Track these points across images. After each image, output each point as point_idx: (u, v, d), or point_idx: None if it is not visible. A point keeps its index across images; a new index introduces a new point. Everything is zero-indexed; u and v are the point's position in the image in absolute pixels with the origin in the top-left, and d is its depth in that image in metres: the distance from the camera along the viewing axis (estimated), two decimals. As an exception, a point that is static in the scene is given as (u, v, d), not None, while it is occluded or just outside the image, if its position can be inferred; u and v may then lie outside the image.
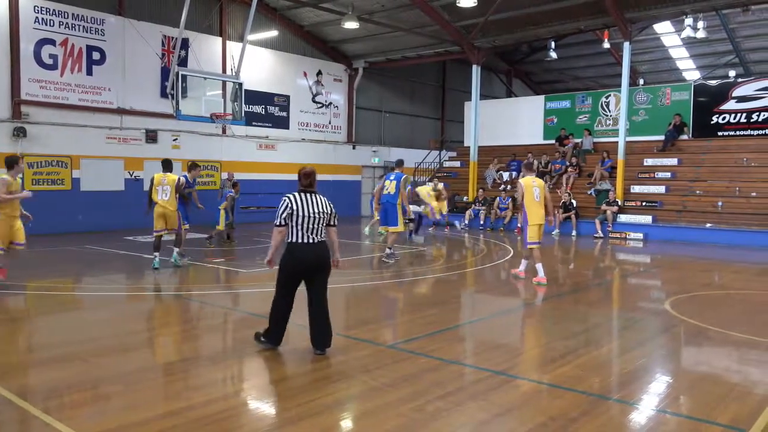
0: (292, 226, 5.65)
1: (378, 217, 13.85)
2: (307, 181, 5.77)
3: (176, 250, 11.15)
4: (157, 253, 10.79)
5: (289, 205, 5.63)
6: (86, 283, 10.27)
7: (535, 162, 21.46)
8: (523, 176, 10.28)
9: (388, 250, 12.17)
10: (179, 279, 10.71)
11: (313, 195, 5.74)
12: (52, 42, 16.61)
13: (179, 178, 10.92)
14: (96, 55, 17.49)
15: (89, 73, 17.37)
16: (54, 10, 16.57)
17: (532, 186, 9.92)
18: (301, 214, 5.61)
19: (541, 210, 9.99)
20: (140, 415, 4.33)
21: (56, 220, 16.17)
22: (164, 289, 9.58)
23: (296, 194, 5.70)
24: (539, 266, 9.93)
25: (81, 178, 17.24)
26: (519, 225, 18.48)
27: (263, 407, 4.75)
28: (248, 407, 4.73)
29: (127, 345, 6.30)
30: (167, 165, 11.01)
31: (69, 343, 6.30)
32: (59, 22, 16.71)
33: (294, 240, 5.65)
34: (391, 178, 12.15)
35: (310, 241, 5.66)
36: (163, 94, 17.50)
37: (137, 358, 5.86)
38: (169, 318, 7.89)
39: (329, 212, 5.78)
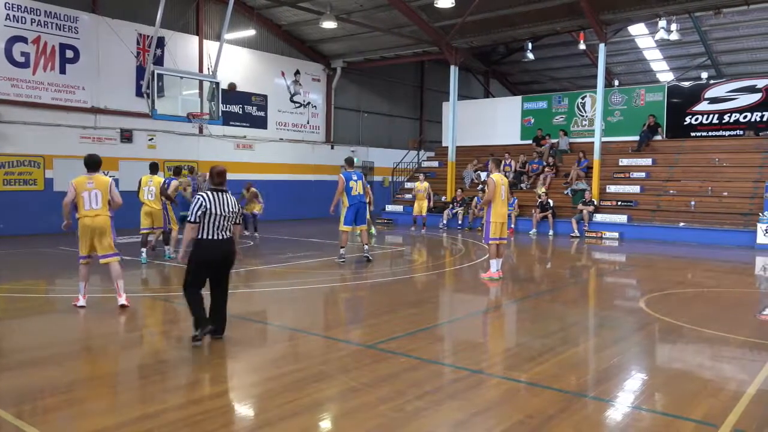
0: (204, 224, 5.92)
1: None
2: (218, 180, 6.08)
3: (166, 247, 11.98)
4: (144, 249, 11.61)
5: (203, 203, 5.89)
6: (60, 285, 10.10)
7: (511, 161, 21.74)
8: (491, 172, 10.29)
9: (366, 247, 12.22)
10: (155, 280, 10.60)
11: (223, 194, 6.03)
12: (24, 40, 16.30)
13: (164, 181, 11.72)
14: (69, 54, 17.21)
15: (62, 71, 17.09)
16: (26, 7, 16.27)
17: (501, 184, 9.99)
18: (213, 212, 5.89)
19: (505, 209, 10.17)
20: (115, 419, 4.27)
21: (28, 221, 15.88)
22: (139, 290, 9.45)
23: (209, 193, 5.98)
24: (494, 262, 10.06)
25: (54, 179, 16.94)
26: (512, 226, 18.80)
27: (241, 409, 4.72)
28: (226, 409, 4.68)
29: (102, 348, 6.21)
30: (154, 168, 11.81)
31: (42, 346, 6.18)
32: (31, 19, 16.41)
33: (204, 236, 5.93)
34: (354, 178, 11.82)
35: (219, 237, 5.96)
36: (139, 93, 17.28)
37: (112, 361, 5.78)
38: (144, 320, 7.79)
39: (236, 211, 6.10)
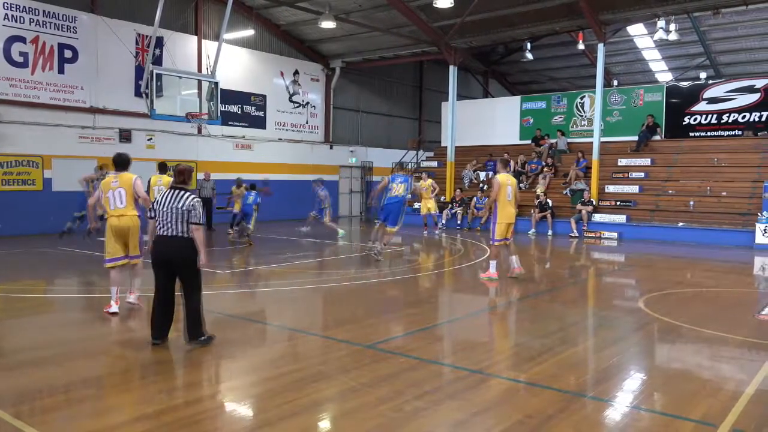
0: (158, 220, 6.04)
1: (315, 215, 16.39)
2: (179, 179, 6.11)
3: None
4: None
5: (157, 198, 6.12)
6: (58, 285, 10.09)
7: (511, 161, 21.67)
8: (497, 173, 10.25)
9: (380, 247, 12.32)
10: (152, 280, 10.59)
11: (178, 192, 5.99)
12: (23, 39, 16.28)
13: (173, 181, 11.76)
14: (68, 53, 17.18)
15: (61, 71, 17.06)
16: (24, 6, 16.24)
17: (506, 184, 9.95)
18: (158, 208, 5.99)
19: (512, 209, 10.05)
20: (113, 419, 4.27)
21: (27, 221, 15.87)
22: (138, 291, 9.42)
23: (164, 190, 6.22)
24: (493, 263, 10.07)
25: (53, 179, 16.91)
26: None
27: (240, 409, 4.71)
28: (225, 409, 4.68)
29: (100, 348, 6.21)
30: (163, 168, 11.88)
31: (41, 346, 6.18)
32: (30, 19, 16.38)
33: (157, 232, 6.04)
34: (399, 180, 12.34)
35: (166, 234, 5.95)
36: (137, 93, 17.23)
37: (110, 361, 5.77)
38: (142, 320, 7.78)
39: (183, 208, 5.87)
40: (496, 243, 10.09)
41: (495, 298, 9.41)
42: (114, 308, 7.48)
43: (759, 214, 15.86)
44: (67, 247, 13.52)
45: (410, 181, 12.59)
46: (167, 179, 11.42)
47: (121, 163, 7.64)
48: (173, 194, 5.97)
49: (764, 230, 15.59)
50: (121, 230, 7.48)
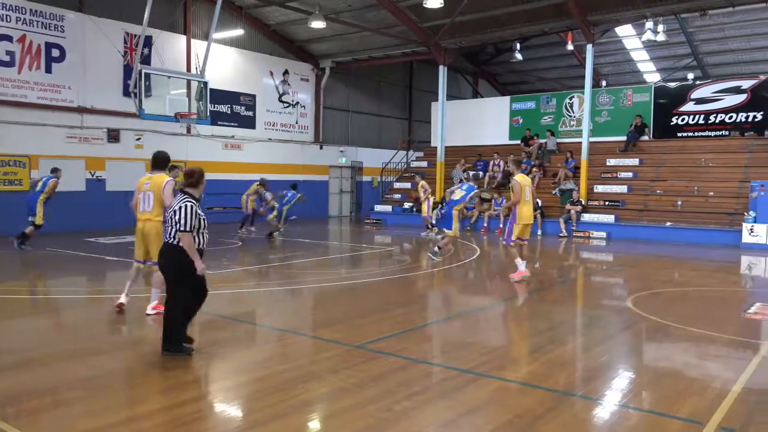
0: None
1: None
2: (187, 181, 5.80)
3: None
4: None
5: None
6: (46, 285, 10.01)
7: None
8: (512, 174, 10.14)
9: (437, 249, 12.40)
10: (142, 281, 10.53)
11: (180, 195, 5.76)
12: (9, 38, 16.13)
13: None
14: (55, 52, 17.05)
15: (48, 70, 16.93)
16: (11, 5, 16.10)
17: (525, 185, 9.86)
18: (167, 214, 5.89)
19: (529, 209, 9.98)
20: (103, 421, 4.24)
21: (13, 221, 15.69)
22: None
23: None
24: (521, 262, 10.01)
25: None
26: (501, 225, 18.80)
27: (230, 409, 4.70)
28: (215, 410, 4.67)
29: (89, 349, 6.16)
30: (171, 168, 11.66)
31: (28, 348, 6.12)
32: (16, 17, 16.24)
33: None
34: (464, 188, 12.46)
35: (165, 240, 5.83)
36: (126, 93, 17.11)
37: (99, 363, 5.73)
38: (131, 321, 7.73)
39: (173, 217, 5.59)
40: (511, 243, 10.03)
41: (485, 298, 9.43)
42: (122, 299, 7.44)
43: (745, 213, 16.01)
44: (54, 248, 13.42)
45: (474, 193, 12.72)
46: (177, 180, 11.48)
47: (157, 162, 7.27)
48: (177, 197, 5.81)
49: (750, 229, 15.74)
50: (143, 235, 7.26)
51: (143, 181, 7.19)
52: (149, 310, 7.35)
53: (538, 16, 19.63)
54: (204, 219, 5.73)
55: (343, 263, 12.86)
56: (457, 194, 12.30)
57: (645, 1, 17.86)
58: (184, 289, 5.67)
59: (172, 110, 14.94)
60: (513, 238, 9.99)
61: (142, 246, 7.31)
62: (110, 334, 7.03)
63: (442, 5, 17.60)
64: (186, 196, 5.66)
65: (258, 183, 17.43)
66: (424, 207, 18.12)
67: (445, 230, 12.41)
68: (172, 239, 5.64)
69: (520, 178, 9.91)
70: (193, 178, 5.75)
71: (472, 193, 12.47)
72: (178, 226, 5.53)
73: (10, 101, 16.19)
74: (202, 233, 5.73)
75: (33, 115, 16.64)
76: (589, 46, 19.10)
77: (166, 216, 6.99)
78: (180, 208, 5.55)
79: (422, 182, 18.23)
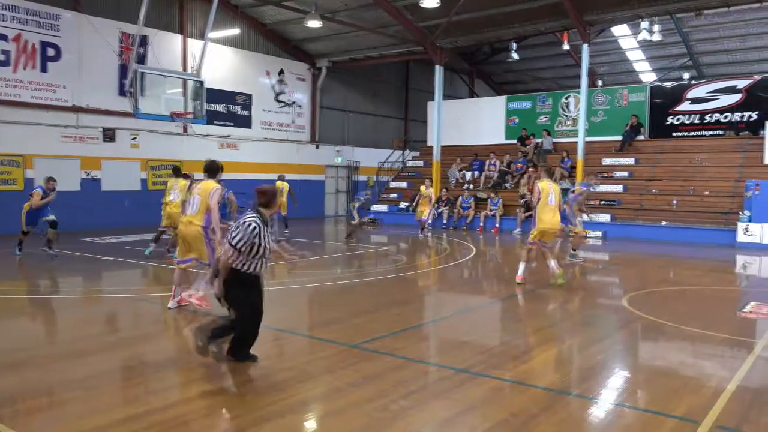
0: None
1: None
2: (259, 200, 5.39)
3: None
4: (153, 244, 12.14)
5: None
6: (41, 286, 9.98)
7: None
8: (540, 180, 10.09)
9: (573, 251, 12.85)
10: (139, 281, 10.52)
11: (251, 216, 5.38)
12: (4, 37, 16.07)
13: (190, 184, 11.66)
14: (51, 52, 16.99)
15: (43, 69, 16.87)
16: (6, 4, 16.04)
17: (549, 191, 9.75)
18: None
19: (554, 216, 9.76)
20: (97, 421, 4.23)
21: (8, 221, 15.63)
22: (122, 291, 9.36)
23: None
24: (522, 266, 9.94)
25: (35, 178, 16.70)
26: (497, 225, 18.88)
27: (226, 410, 4.69)
28: (211, 410, 4.66)
29: (84, 350, 6.14)
30: (177, 171, 12.16)
31: (23, 348, 6.11)
32: (11, 16, 16.18)
33: None
34: (583, 187, 13.13)
35: None
36: (122, 92, 17.11)
37: (94, 363, 5.72)
38: (127, 321, 7.72)
39: (234, 228, 5.34)
40: (527, 244, 10.00)
41: (481, 298, 9.44)
42: (171, 303, 7.60)
43: (740, 213, 16.06)
44: (48, 249, 13.36)
45: (587, 187, 13.21)
46: (183, 183, 11.50)
47: (208, 170, 7.50)
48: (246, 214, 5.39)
49: (745, 229, 15.80)
50: (185, 237, 7.44)
51: (195, 186, 7.52)
52: (171, 304, 7.58)
53: (534, 16, 19.66)
54: (267, 246, 5.27)
55: (339, 263, 12.85)
56: (578, 190, 12.83)
57: (640, 1, 17.90)
58: (247, 300, 5.38)
59: (168, 110, 14.94)
60: (529, 240, 9.95)
61: (186, 246, 7.48)
62: (105, 334, 7.02)
63: (439, 5, 17.62)
64: (256, 215, 5.27)
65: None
66: (426, 211, 18.15)
67: (573, 228, 12.60)
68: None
69: (542, 184, 9.82)
70: (265, 197, 5.32)
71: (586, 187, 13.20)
72: (230, 237, 5.19)
73: (5, 100, 16.12)
74: (260, 259, 5.30)
75: (28, 114, 16.58)
76: (585, 46, 19.13)
77: (205, 222, 7.25)
78: (243, 223, 5.20)
79: (432, 189, 18.48)
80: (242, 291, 5.29)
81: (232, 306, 5.36)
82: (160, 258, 11.82)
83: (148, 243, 12.48)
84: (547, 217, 9.73)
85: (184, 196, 11.37)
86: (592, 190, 13.51)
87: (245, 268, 5.25)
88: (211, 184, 7.37)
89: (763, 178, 16.48)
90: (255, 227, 5.15)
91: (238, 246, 5.13)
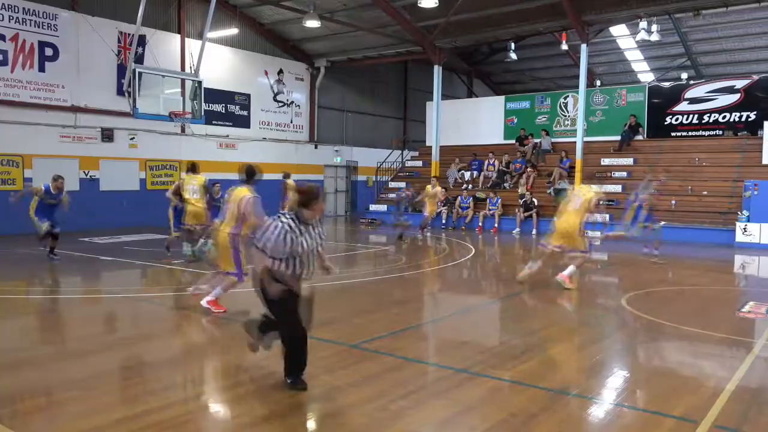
0: None
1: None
2: (300, 199, 4.90)
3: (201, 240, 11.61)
4: (187, 243, 11.76)
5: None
6: (40, 286, 9.96)
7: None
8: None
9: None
10: (137, 281, 10.51)
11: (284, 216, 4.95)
12: (2, 37, 16.04)
13: (207, 180, 11.87)
14: (48, 51, 16.97)
15: (41, 69, 16.84)
16: (3, 4, 16.01)
17: (576, 195, 9.71)
18: None
19: (566, 219, 9.71)
20: (96, 421, 4.22)
21: (6, 221, 15.62)
22: (121, 291, 9.35)
23: None
24: (531, 264, 9.92)
25: (33, 178, 16.68)
26: (496, 225, 18.78)
27: (224, 410, 4.69)
28: (209, 410, 4.66)
29: (83, 349, 6.14)
30: (194, 168, 11.98)
31: (21, 348, 6.10)
32: (9, 16, 16.16)
33: None
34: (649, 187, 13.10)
35: None
36: (120, 92, 17.06)
37: (93, 363, 5.71)
38: (126, 321, 7.71)
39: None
40: (539, 246, 9.96)
41: (480, 298, 9.44)
42: (204, 300, 7.49)
43: (738, 213, 16.08)
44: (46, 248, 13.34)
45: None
46: (201, 179, 11.58)
47: (245, 175, 7.28)
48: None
49: (744, 229, 15.82)
50: (217, 244, 7.34)
51: (231, 192, 7.32)
52: (203, 303, 7.47)
53: (532, 16, 19.66)
54: (303, 249, 4.77)
55: (338, 262, 12.84)
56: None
57: (639, 1, 17.91)
58: (281, 312, 4.94)
59: (166, 109, 14.94)
60: (542, 241, 9.88)
61: (218, 253, 7.41)
62: (104, 334, 7.01)
63: (437, 5, 17.62)
64: (289, 215, 4.78)
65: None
66: (432, 209, 17.63)
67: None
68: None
69: (575, 188, 9.82)
70: (304, 196, 4.82)
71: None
72: (258, 234, 4.83)
73: (3, 100, 16.10)
74: (293, 261, 4.81)
75: (26, 114, 16.56)
76: (584, 46, 19.15)
77: (233, 229, 7.13)
78: (270, 223, 4.78)
79: (439, 188, 17.99)
80: (276, 301, 4.82)
81: (273, 309, 5.00)
82: (176, 258, 11.81)
83: (181, 246, 12.04)
84: (562, 219, 9.71)
85: (201, 193, 11.47)
86: (651, 192, 13.25)
87: (284, 269, 4.82)
88: (243, 192, 7.12)
89: (761, 178, 16.51)
90: (282, 226, 4.69)
91: (264, 246, 4.72)
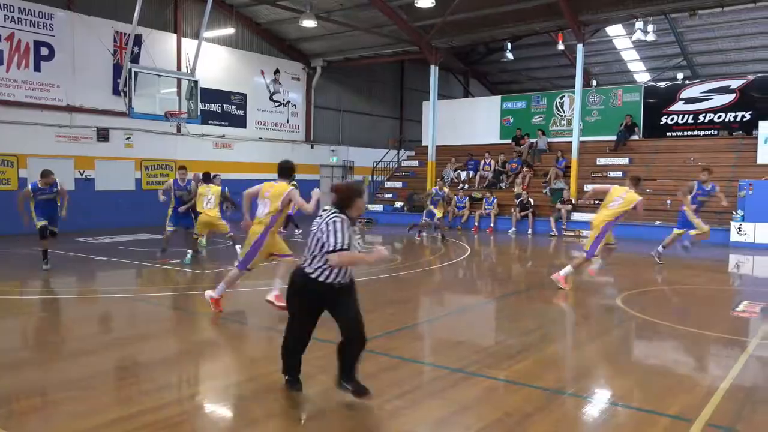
0: None
1: None
2: (335, 199, 4.62)
3: (237, 246, 11.31)
4: (190, 251, 11.53)
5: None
6: (36, 286, 9.93)
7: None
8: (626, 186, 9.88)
9: (686, 244, 12.26)
10: (133, 281, 10.50)
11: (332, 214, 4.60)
12: (-3, 36, 16.01)
13: (224, 188, 11.87)
14: (44, 51, 16.91)
15: (37, 69, 16.79)
16: (-1, 3, 15.98)
17: (615, 195, 9.56)
18: None
19: (601, 215, 9.60)
20: (91, 422, 4.22)
21: (6, 221, 15.58)
22: (116, 291, 9.33)
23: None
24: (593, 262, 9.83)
25: (28, 178, 16.61)
26: (492, 225, 18.69)
27: (219, 410, 4.69)
28: (203, 410, 4.65)
29: (79, 350, 6.13)
30: (208, 178, 12.07)
31: (17, 348, 6.08)
32: (5, 15, 16.10)
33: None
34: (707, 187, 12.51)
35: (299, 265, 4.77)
36: (116, 92, 17.03)
37: (89, 363, 5.70)
38: (122, 321, 7.70)
39: (320, 238, 4.50)
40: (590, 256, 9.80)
41: (475, 297, 9.45)
42: (274, 297, 7.44)
43: (733, 212, 16.12)
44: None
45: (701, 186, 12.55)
46: (216, 188, 11.59)
47: (280, 170, 7.31)
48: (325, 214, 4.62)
49: (739, 228, 15.86)
50: (249, 236, 7.27)
51: (266, 189, 7.24)
52: (269, 297, 7.45)
53: (529, 16, 19.69)
54: (351, 247, 4.46)
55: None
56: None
57: (635, 1, 17.95)
58: (298, 320, 4.75)
59: (162, 109, 14.91)
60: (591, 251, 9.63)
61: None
62: (99, 334, 7.00)
63: (434, 5, 17.61)
64: (339, 213, 4.49)
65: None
66: (440, 211, 16.71)
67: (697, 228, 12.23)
68: (308, 265, 4.52)
69: (614, 188, 9.66)
70: (339, 195, 4.53)
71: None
72: (327, 246, 4.35)
73: (-1, 100, 16.07)
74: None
75: (21, 114, 16.51)
76: (580, 46, 19.18)
77: (270, 223, 7.08)
78: (327, 223, 4.40)
79: (446, 189, 17.48)
80: (310, 300, 4.58)
81: (295, 314, 4.74)
82: (171, 258, 11.79)
83: (185, 253, 11.72)
84: (599, 216, 9.64)
85: (216, 202, 11.51)
86: (710, 190, 12.68)
87: (327, 273, 4.49)
88: (284, 187, 7.17)
89: (756, 178, 16.55)
90: (341, 220, 4.40)
91: (339, 245, 4.33)
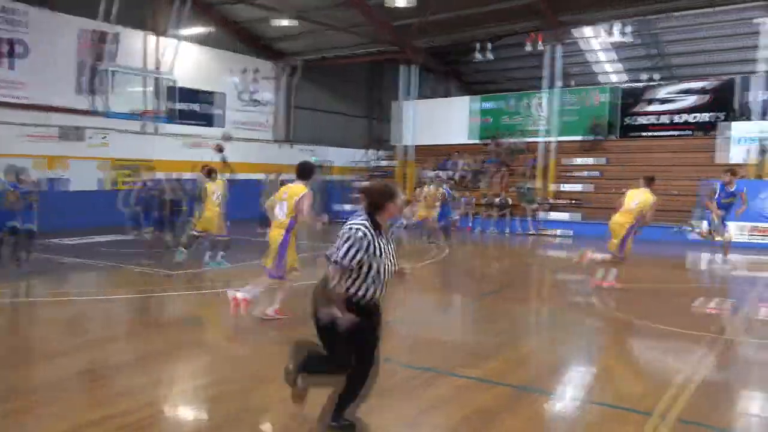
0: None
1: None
2: (366, 202, 4.01)
3: (208, 253, 11.42)
4: (185, 250, 11.34)
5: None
6: (6, 288, 9.72)
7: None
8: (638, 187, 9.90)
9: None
10: (105, 283, 10.34)
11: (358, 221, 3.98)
12: (-34, 33, 15.66)
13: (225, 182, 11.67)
14: (17, 49, 16.58)
15: (10, 66, 16.44)
16: (-34, -1, 15.63)
17: (633, 197, 9.60)
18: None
19: (623, 217, 9.59)
20: (63, 425, 4.14)
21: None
22: (87, 293, 9.18)
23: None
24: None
25: (-1, 178, 16.30)
26: (470, 224, 18.77)
27: (193, 412, 4.63)
28: (177, 412, 4.58)
29: (49, 352, 6.01)
30: (211, 173, 11.79)
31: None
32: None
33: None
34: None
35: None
36: (90, 91, 16.76)
37: (60, 366, 5.58)
38: (95, 323, 7.56)
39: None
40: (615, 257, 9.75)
41: (450, 297, 9.45)
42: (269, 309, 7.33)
43: (691, 209, 16.23)
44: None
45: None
46: (220, 182, 11.47)
47: (299, 172, 7.13)
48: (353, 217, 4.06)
49: (692, 227, 15.88)
50: (271, 242, 7.11)
51: (283, 191, 7.10)
52: (269, 312, 7.29)
53: (508, 16, 19.81)
54: (383, 258, 3.87)
55: (311, 263, 12.76)
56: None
57: (614, 3, 18.15)
58: (339, 346, 3.94)
59: (137, 108, 14.72)
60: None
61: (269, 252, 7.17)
62: (72, 336, 6.86)
63: (414, 4, 17.62)
64: (364, 220, 3.91)
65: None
66: (435, 213, 15.47)
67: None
68: (352, 288, 3.91)
69: (632, 190, 9.69)
70: (370, 197, 3.94)
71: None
72: (330, 254, 3.87)
73: (-33, 99, 15.72)
74: (374, 281, 3.89)
75: (-7, 113, 16.16)
76: (558, 47, 19.34)
77: (289, 226, 6.95)
78: (344, 231, 3.87)
79: (442, 190, 15.99)
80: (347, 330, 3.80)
81: (333, 350, 3.99)
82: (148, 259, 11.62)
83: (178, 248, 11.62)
84: (613, 219, 9.71)
85: (224, 194, 11.35)
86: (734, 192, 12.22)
87: (353, 292, 3.86)
88: (300, 189, 6.95)
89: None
90: (362, 233, 3.80)
91: (344, 261, 3.78)
